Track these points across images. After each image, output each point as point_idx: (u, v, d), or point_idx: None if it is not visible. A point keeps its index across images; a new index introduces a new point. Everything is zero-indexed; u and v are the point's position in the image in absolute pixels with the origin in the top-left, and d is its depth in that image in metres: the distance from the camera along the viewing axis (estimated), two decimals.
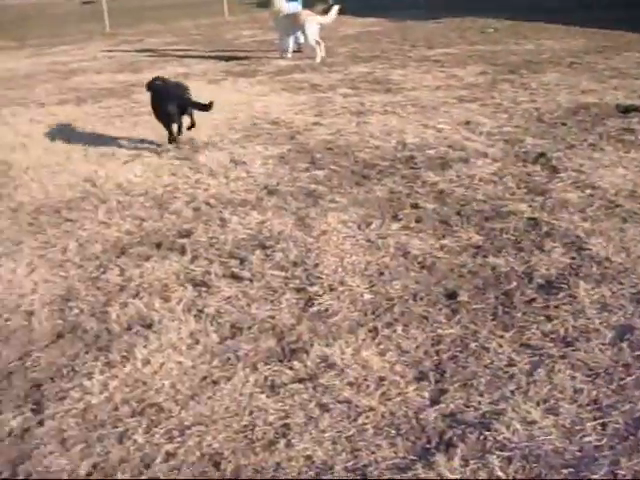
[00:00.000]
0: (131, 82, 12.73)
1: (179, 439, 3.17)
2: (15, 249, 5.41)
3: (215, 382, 3.53)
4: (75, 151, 8.03)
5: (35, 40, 23.68)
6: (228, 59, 14.65)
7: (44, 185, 6.86)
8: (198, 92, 10.55)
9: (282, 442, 3.10)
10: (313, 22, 13.34)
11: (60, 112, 10.34)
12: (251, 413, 3.29)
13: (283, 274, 4.56)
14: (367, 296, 4.23)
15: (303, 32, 13.42)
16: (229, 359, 3.71)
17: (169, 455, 3.08)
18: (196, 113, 7.63)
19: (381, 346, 3.73)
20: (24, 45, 22.34)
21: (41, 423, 3.38)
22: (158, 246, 5.19)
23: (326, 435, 3.12)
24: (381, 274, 4.49)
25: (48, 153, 8.07)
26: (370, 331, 3.87)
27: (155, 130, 8.37)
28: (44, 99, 11.84)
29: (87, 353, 3.90)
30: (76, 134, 8.85)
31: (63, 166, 7.45)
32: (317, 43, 13.33)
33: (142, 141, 8.21)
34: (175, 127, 7.69)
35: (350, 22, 19.86)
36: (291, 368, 3.58)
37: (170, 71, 13.66)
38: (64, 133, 8.94)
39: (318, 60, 13.12)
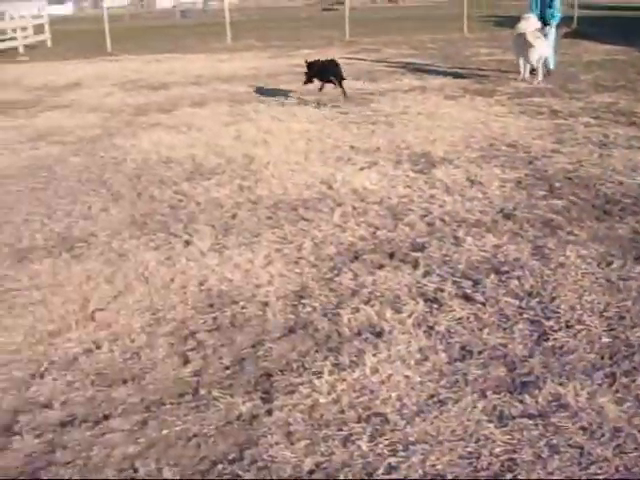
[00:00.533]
0: (369, 90, 12.96)
1: (403, 454, 3.15)
2: (254, 240, 5.64)
3: (442, 402, 3.49)
4: (313, 152, 8.28)
5: (278, 42, 24.76)
6: (465, 76, 14.55)
7: (283, 182, 7.12)
8: (436, 108, 10.60)
9: (508, 476, 3.00)
10: (537, 43, 12.94)
11: (300, 113, 10.71)
12: (477, 441, 3.21)
13: (517, 303, 4.44)
14: (605, 339, 4.02)
15: (526, 53, 13.08)
16: (457, 381, 3.65)
17: (392, 468, 3.07)
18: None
19: (618, 394, 3.52)
20: (268, 46, 23.40)
21: (269, 413, 3.48)
22: (391, 256, 5.22)
23: (554, 478, 2.99)
24: (621, 318, 4.25)
25: (288, 151, 8.38)
26: (607, 376, 3.66)
27: (392, 141, 8.49)
28: (285, 99, 12.31)
29: (317, 352, 3.98)
30: (314, 135, 9.13)
31: (301, 165, 7.70)
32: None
33: (378, 149, 8.33)
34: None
35: (594, 48, 19.14)
36: (521, 401, 3.47)
37: (406, 83, 13.81)
38: (303, 133, 9.26)
39: (540, 78, 12.90)
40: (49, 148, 9.43)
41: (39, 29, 28.98)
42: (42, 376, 3.94)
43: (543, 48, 13.02)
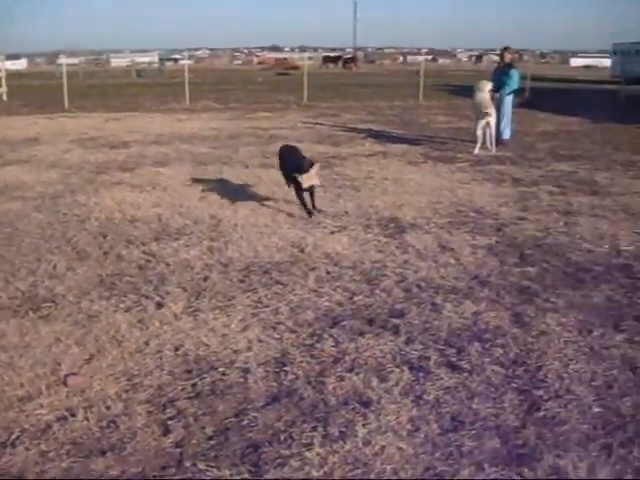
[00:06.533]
0: (331, 154, 13.03)
1: None
2: (228, 304, 5.50)
3: (439, 476, 3.37)
4: (281, 215, 8.21)
5: (236, 104, 24.93)
6: (425, 143, 14.73)
7: (253, 244, 7.01)
8: (400, 173, 10.67)
9: None
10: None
11: (265, 176, 10.67)
12: None
13: (504, 371, 4.36)
14: (596, 409, 3.96)
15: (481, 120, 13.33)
16: (452, 454, 3.54)
17: None
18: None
19: (617, 466, 3.44)
20: (226, 108, 23.53)
21: None
22: (370, 322, 5.13)
23: None
24: (609, 387, 4.20)
25: (255, 213, 8.30)
26: (603, 448, 3.59)
27: (360, 206, 8.48)
28: (248, 161, 12.29)
29: (304, 422, 3.84)
30: (281, 197, 9.06)
31: (270, 228, 7.61)
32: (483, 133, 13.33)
33: (346, 213, 8.29)
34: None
35: (547, 119, 19.65)
36: (520, 475, 3.36)
37: (367, 148, 13.93)
38: (269, 196, 9.19)
39: (475, 152, 13.07)
40: (10, 204, 9.18)
41: None
42: (14, 445, 3.72)
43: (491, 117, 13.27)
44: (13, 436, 3.79)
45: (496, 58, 15.08)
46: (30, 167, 12.09)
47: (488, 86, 13.45)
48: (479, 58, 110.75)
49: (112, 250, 6.95)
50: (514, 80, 14.33)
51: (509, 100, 14.50)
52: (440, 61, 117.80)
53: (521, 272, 6.24)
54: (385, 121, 19.25)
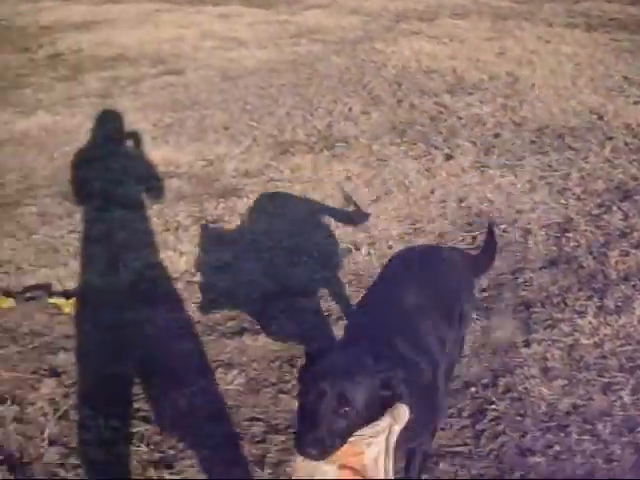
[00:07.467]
0: None
1: None
2: (516, 164, 5.44)
3: None
4: (581, 78, 7.79)
5: None
6: None
7: (549, 106, 6.78)
8: None
9: None
10: None
11: (568, 35, 10.11)
12: None
13: None
14: None
15: None
16: None
17: None
18: None
19: None
20: None
21: (527, 344, 3.39)
22: None
23: None
24: None
25: (555, 74, 7.94)
26: None
27: None
28: (552, 19, 11.66)
29: (580, 290, 3.81)
30: (584, 61, 8.58)
31: (569, 91, 7.28)
32: None
33: None
34: None
35: None
36: None
37: None
38: (571, 57, 8.74)
39: None
40: (311, 46, 9.55)
41: None
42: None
43: None
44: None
45: None
46: (330, 12, 12.34)
47: None
48: None
49: (406, 98, 7.06)
50: None
51: None
52: None
53: None
54: None
